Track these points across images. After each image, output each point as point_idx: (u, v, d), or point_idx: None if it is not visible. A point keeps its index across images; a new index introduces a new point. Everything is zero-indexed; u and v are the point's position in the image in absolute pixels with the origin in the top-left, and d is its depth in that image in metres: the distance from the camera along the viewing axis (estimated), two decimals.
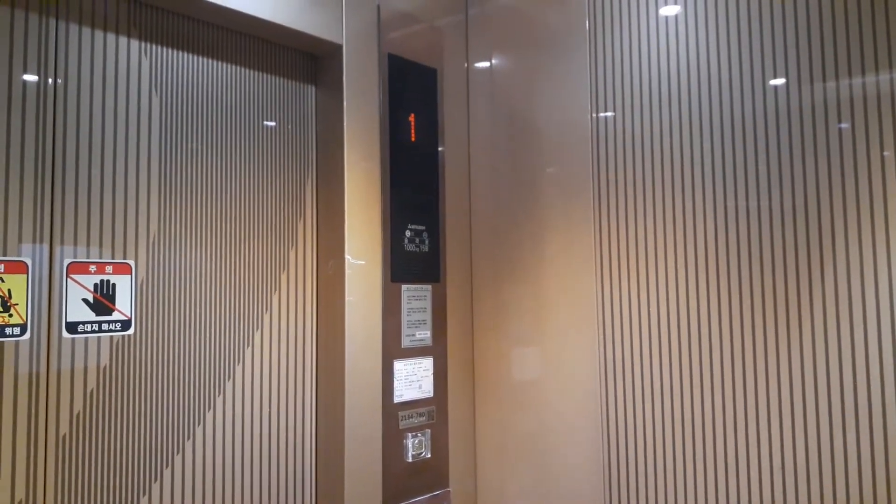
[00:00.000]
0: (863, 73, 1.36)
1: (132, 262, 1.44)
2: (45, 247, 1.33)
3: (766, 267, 1.45)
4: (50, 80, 1.36)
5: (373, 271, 1.73)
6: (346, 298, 1.67)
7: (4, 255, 1.28)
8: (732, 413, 1.48)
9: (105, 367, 1.39)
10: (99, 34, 1.43)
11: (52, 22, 1.37)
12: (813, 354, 1.38)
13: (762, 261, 1.46)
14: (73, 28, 1.40)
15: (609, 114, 1.72)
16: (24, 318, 1.29)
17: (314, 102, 1.83)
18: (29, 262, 1.31)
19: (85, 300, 1.37)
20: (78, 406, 1.35)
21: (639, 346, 1.64)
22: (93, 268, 1.39)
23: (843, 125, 1.37)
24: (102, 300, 1.39)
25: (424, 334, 1.85)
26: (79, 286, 1.37)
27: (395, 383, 1.76)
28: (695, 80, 1.58)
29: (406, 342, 1.80)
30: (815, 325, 1.38)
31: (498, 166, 1.98)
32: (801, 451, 1.39)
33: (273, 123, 1.73)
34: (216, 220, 1.60)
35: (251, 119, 1.69)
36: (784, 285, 1.43)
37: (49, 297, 1.33)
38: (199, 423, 1.53)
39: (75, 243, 1.37)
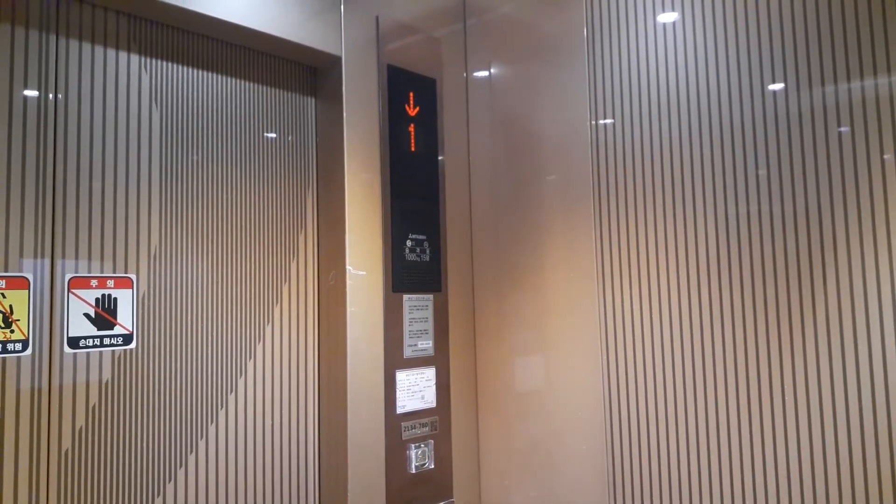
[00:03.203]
0: (861, 76, 1.36)
1: (133, 276, 1.45)
2: (47, 262, 1.33)
3: (767, 272, 1.45)
4: (50, 95, 1.36)
5: (374, 282, 1.73)
6: (348, 309, 1.66)
7: (6, 270, 1.28)
8: (737, 419, 1.47)
9: (107, 382, 1.39)
10: (99, 49, 1.44)
11: (53, 38, 1.38)
12: (816, 359, 1.38)
13: (763, 266, 1.45)
14: (74, 43, 1.40)
15: (608, 121, 1.73)
16: (26, 333, 1.29)
17: (314, 114, 1.83)
18: (30, 277, 1.31)
19: (86, 315, 1.37)
20: (80, 421, 1.35)
21: (641, 354, 1.63)
22: (94, 282, 1.39)
23: (843, 129, 1.37)
24: (104, 314, 1.39)
25: (426, 344, 1.85)
26: (80, 301, 1.37)
27: (398, 394, 1.76)
28: (693, 86, 1.58)
29: (408, 352, 1.80)
30: (817, 329, 1.38)
31: (498, 175, 1.98)
32: (807, 458, 1.38)
33: (273, 135, 1.74)
34: (217, 233, 1.60)
35: (251, 131, 1.69)
36: (786, 290, 1.42)
37: (51, 313, 1.33)
38: (201, 437, 1.53)
39: (76, 258, 1.37)
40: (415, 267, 1.83)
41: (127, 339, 1.42)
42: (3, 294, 1.27)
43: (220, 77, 1.64)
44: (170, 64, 1.55)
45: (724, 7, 1.54)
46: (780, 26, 1.46)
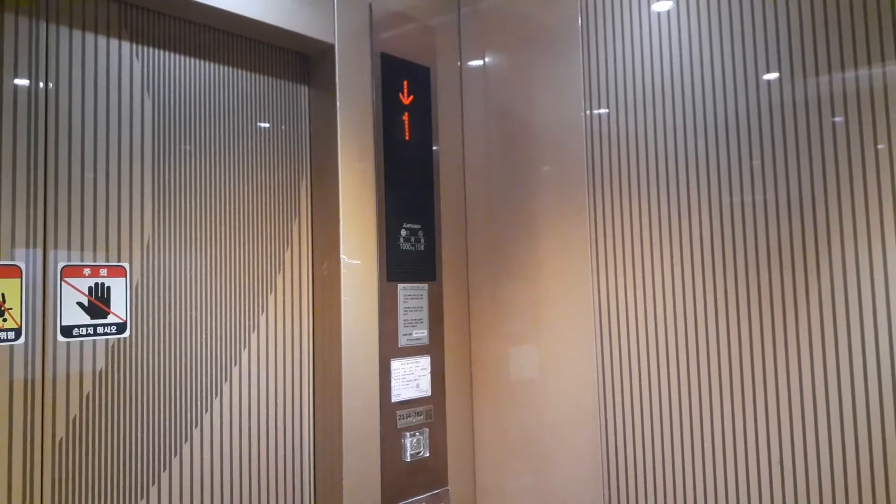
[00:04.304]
0: (855, 66, 1.35)
1: (127, 265, 1.44)
2: (39, 251, 1.33)
3: (761, 261, 1.45)
4: (41, 84, 1.36)
5: (368, 271, 1.73)
6: (342, 298, 1.66)
7: None
8: (730, 408, 1.48)
9: (101, 371, 1.39)
10: (90, 37, 1.43)
11: (43, 25, 1.36)
12: (809, 346, 1.38)
13: (757, 255, 1.46)
14: (64, 31, 1.39)
15: (603, 111, 1.72)
16: (19, 322, 1.29)
17: (307, 102, 1.82)
18: (23, 266, 1.30)
19: (80, 303, 1.37)
20: (74, 410, 1.35)
21: (635, 342, 1.64)
22: (87, 271, 1.38)
23: (837, 119, 1.37)
24: (97, 303, 1.39)
25: (421, 333, 1.85)
26: (73, 290, 1.36)
27: (393, 382, 1.76)
28: (688, 75, 1.58)
29: (403, 341, 1.80)
30: (811, 318, 1.38)
31: (492, 164, 1.98)
32: (800, 445, 1.39)
33: (266, 124, 1.73)
34: (210, 222, 1.59)
35: (244, 120, 1.68)
36: (780, 279, 1.43)
37: (43, 301, 1.33)
38: (196, 426, 1.53)
39: (69, 247, 1.37)
40: (409, 256, 1.83)
41: (120, 327, 1.42)
42: None
43: (212, 65, 1.63)
44: (162, 52, 1.54)
45: None
46: (775, 15, 1.46)
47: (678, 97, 1.59)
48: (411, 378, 1.81)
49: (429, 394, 1.86)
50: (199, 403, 1.54)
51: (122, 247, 1.44)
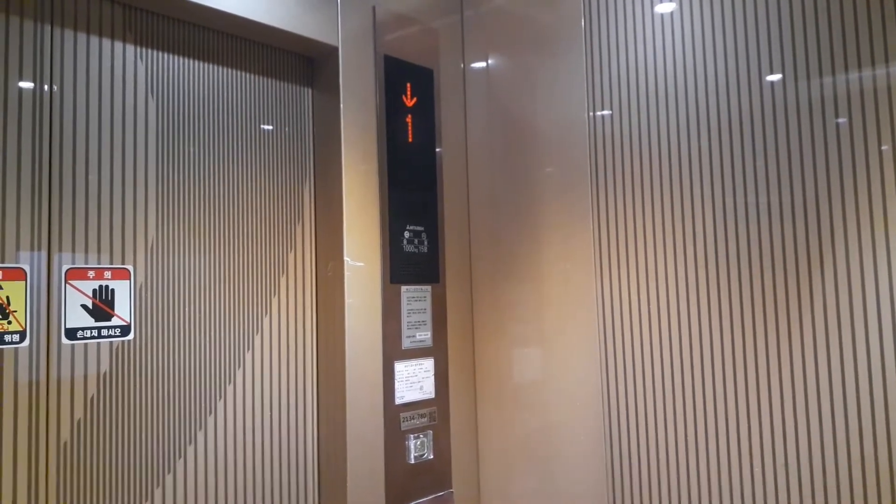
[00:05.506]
0: (859, 67, 1.36)
1: (131, 267, 1.44)
2: (44, 253, 1.33)
3: (765, 262, 1.45)
4: (46, 87, 1.36)
5: (372, 273, 1.73)
6: (346, 301, 1.66)
7: (2, 262, 1.28)
8: (734, 409, 1.48)
9: (105, 373, 1.39)
10: (94, 39, 1.43)
11: (47, 28, 1.37)
12: (814, 348, 1.38)
13: (761, 256, 1.46)
14: (69, 34, 1.39)
15: (606, 112, 1.72)
16: (24, 324, 1.29)
17: (311, 105, 1.83)
18: (27, 268, 1.30)
19: (84, 306, 1.37)
20: (78, 413, 1.35)
21: (639, 344, 1.64)
22: (91, 273, 1.38)
23: (841, 120, 1.37)
24: (101, 306, 1.39)
25: (425, 335, 1.85)
26: (77, 292, 1.36)
27: (397, 385, 1.76)
28: (691, 76, 1.58)
29: (406, 343, 1.80)
30: (815, 319, 1.38)
31: (496, 166, 1.98)
32: (805, 445, 1.39)
33: (270, 127, 1.73)
34: (214, 224, 1.59)
35: (248, 122, 1.68)
36: (784, 280, 1.42)
37: (48, 304, 1.33)
38: (200, 428, 1.53)
39: (73, 249, 1.37)
40: (413, 258, 1.83)
41: (125, 330, 1.42)
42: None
43: (216, 68, 1.63)
44: (166, 54, 1.54)
45: None
46: (778, 16, 1.46)
47: (681, 98, 1.59)
48: (415, 380, 1.81)
49: (432, 396, 1.85)
50: (203, 406, 1.54)
51: (127, 249, 1.44)
